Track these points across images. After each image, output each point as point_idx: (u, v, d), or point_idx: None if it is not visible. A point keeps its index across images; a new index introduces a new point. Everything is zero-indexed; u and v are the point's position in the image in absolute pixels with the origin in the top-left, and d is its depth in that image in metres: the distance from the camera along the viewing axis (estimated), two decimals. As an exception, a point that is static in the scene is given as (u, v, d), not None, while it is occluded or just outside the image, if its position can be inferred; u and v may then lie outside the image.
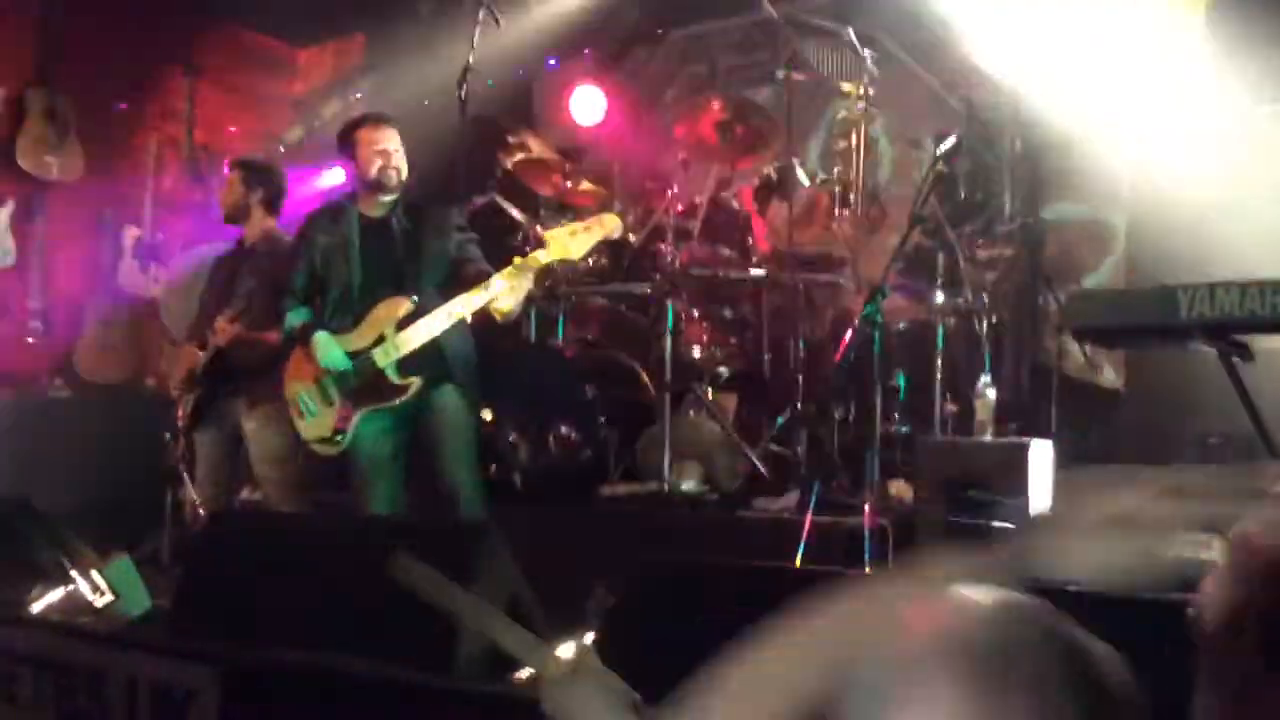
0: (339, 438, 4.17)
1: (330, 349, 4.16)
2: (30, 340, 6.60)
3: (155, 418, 5.45)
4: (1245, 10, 5.06)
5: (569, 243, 4.13)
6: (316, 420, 4.22)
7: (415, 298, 4.10)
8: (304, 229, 4.45)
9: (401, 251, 4.21)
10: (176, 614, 3.37)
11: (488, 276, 4.08)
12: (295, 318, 4.32)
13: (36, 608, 3.70)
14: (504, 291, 4.01)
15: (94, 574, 3.80)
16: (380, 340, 4.10)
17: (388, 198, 4.28)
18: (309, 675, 2.82)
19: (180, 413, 4.82)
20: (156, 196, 7.03)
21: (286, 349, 4.36)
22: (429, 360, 4.12)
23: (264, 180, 4.91)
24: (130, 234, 6.94)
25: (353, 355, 4.14)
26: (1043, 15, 5.58)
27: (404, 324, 4.09)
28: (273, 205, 4.92)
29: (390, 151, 4.25)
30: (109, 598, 3.82)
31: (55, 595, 3.75)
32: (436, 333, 4.06)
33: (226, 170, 5.01)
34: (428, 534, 3.56)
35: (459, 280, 4.16)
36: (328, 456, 4.29)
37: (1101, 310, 2.76)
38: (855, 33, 5.70)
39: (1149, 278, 3.94)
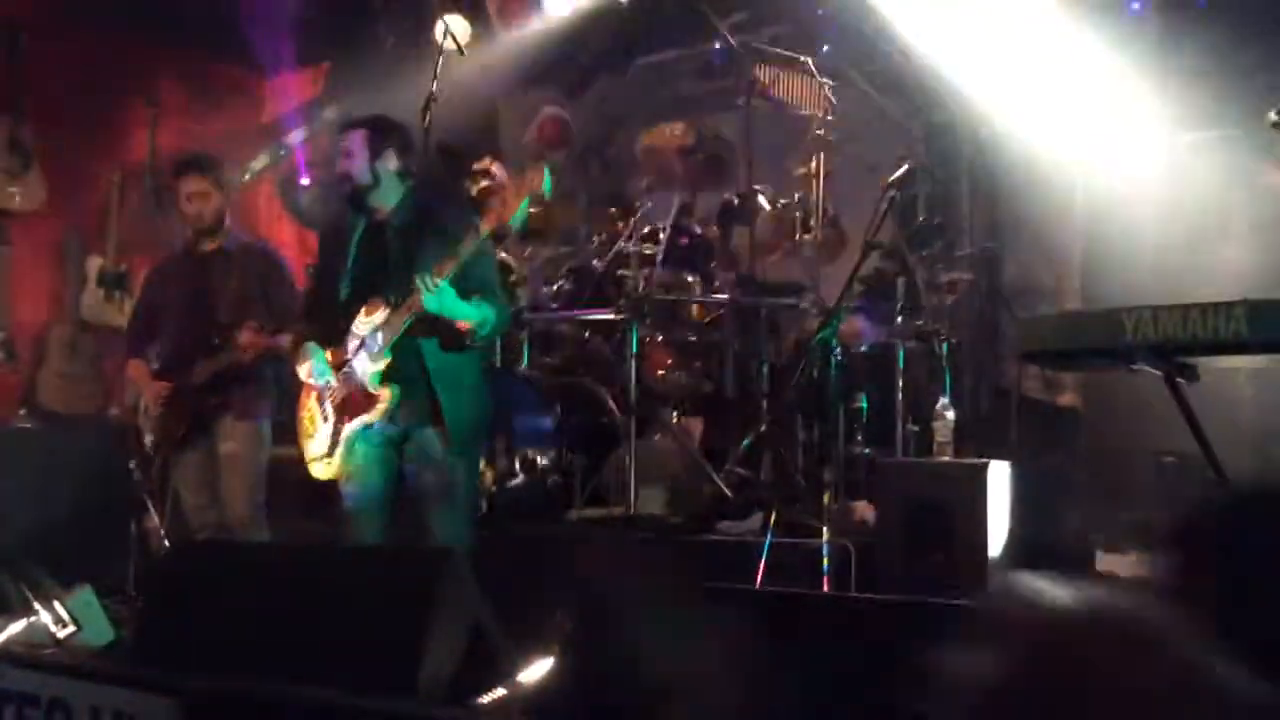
0: (329, 459, 4.05)
1: (315, 361, 4.06)
2: (-7, 370, 6.56)
3: (120, 447, 5.42)
4: (1189, 39, 5.20)
5: (503, 212, 3.97)
6: (316, 439, 4.09)
7: (392, 298, 3.95)
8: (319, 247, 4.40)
9: (396, 255, 4.04)
10: (139, 644, 3.37)
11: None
12: (303, 328, 4.24)
13: (-2, 640, 3.69)
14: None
15: (56, 605, 3.79)
16: (360, 348, 4.00)
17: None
18: (272, 704, 2.83)
19: (154, 436, 4.75)
20: (120, 226, 7.02)
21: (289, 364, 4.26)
22: (417, 400, 3.97)
23: (225, 179, 4.88)
24: (94, 263, 6.92)
25: (337, 366, 4.04)
26: (999, 43, 5.71)
27: (378, 328, 3.96)
28: (228, 203, 4.90)
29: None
30: (71, 629, 3.80)
31: (17, 627, 3.73)
32: (393, 336, 3.92)
33: (190, 181, 4.80)
34: (392, 558, 3.57)
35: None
36: (322, 480, 4.11)
37: (1050, 334, 2.82)
38: (815, 61, 5.80)
39: (1104, 302, 4.01)
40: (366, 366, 3.97)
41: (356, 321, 4.02)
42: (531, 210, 4.15)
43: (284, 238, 7.56)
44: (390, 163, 4.09)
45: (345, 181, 4.10)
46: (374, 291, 4.02)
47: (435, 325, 3.95)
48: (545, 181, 3.88)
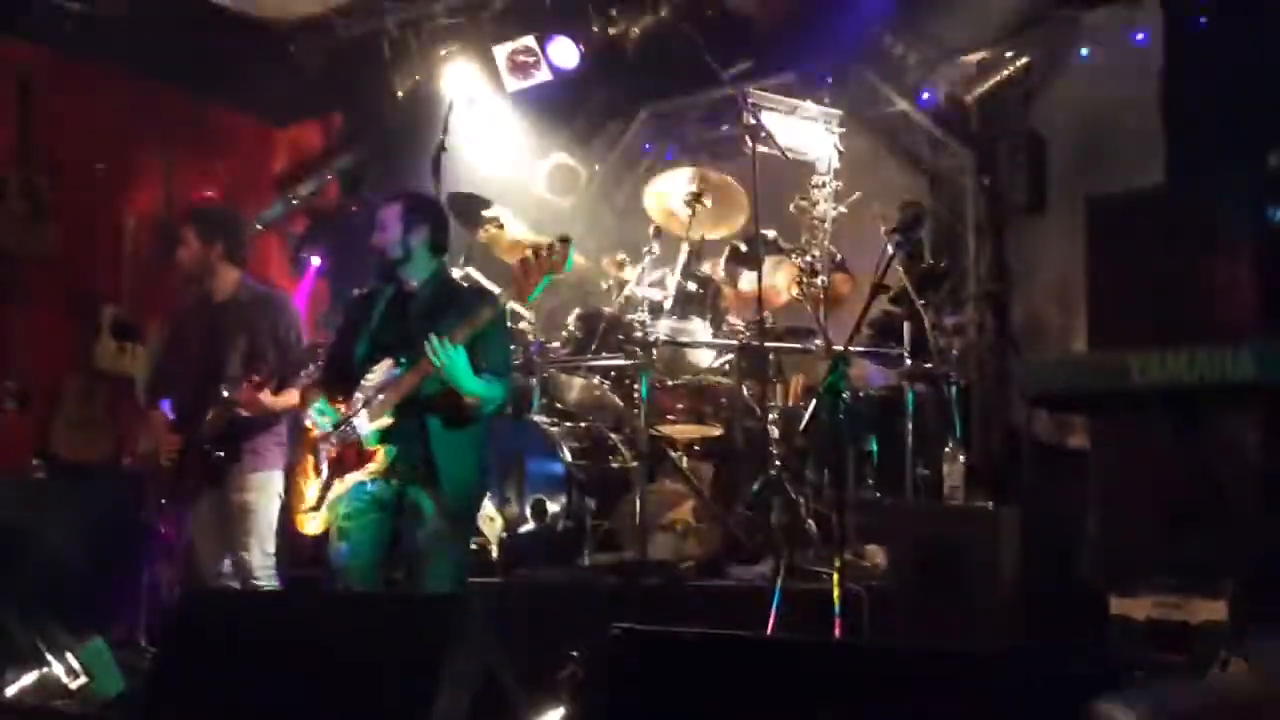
0: (315, 512, 4.05)
1: (320, 414, 4.09)
2: (5, 419, 6.59)
3: (133, 497, 5.45)
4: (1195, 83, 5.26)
5: (524, 285, 3.90)
6: (307, 492, 4.10)
7: (403, 359, 3.96)
8: (343, 304, 4.41)
9: (416, 322, 4.07)
10: (151, 694, 3.37)
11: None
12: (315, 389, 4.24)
13: (10, 691, 3.70)
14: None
15: (68, 656, 3.80)
16: (364, 405, 4.01)
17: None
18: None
19: (168, 486, 4.76)
20: (133, 275, 7.08)
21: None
22: (414, 460, 3.97)
23: (222, 230, 4.84)
24: (107, 312, 6.97)
25: (340, 421, 4.04)
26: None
27: (386, 387, 3.95)
28: (235, 256, 4.85)
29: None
30: (83, 680, 3.81)
31: (30, 678, 3.74)
32: (392, 401, 3.94)
33: (182, 229, 4.86)
34: (404, 604, 3.58)
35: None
36: (311, 534, 4.12)
37: (1056, 376, 2.84)
38: (820, 108, 5.86)
39: (1110, 344, 4.01)
40: (366, 423, 3.98)
41: (365, 378, 4.03)
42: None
43: (296, 287, 7.61)
44: (422, 237, 4.17)
45: (378, 254, 4.19)
46: (388, 353, 4.05)
47: (441, 402, 3.96)
48: (569, 261, 3.86)
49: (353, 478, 4.00)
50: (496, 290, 4.37)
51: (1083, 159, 5.94)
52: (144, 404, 5.10)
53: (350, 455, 4.02)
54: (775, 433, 5.27)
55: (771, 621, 3.83)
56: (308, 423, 4.13)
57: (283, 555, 4.81)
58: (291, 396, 4.53)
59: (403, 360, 3.96)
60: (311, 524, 4.09)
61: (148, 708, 3.31)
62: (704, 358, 5.59)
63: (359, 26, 7.22)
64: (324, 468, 4.07)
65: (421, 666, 2.90)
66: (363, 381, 4.03)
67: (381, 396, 3.97)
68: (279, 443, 4.75)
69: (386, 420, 3.97)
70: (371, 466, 3.96)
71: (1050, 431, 5.29)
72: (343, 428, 4.02)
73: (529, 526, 5.24)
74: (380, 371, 4.01)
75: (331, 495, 4.03)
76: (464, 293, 4.32)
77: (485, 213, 6.02)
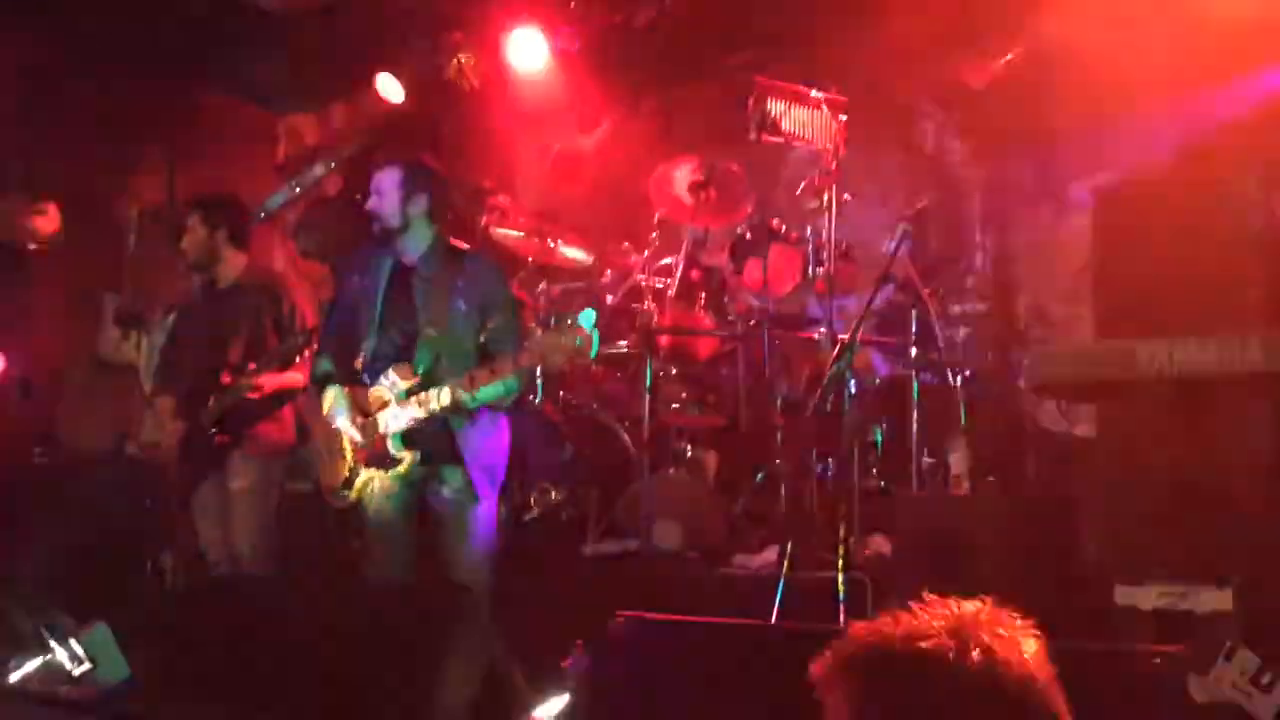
0: (345, 491, 4.08)
1: (339, 410, 4.07)
2: (10, 407, 6.60)
3: (136, 484, 5.45)
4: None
5: (546, 360, 3.76)
6: (335, 471, 4.11)
7: (419, 369, 3.94)
8: (338, 273, 4.37)
9: (423, 305, 4.03)
10: (155, 681, 3.37)
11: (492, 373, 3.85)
12: (321, 365, 4.24)
13: (14, 677, 3.69)
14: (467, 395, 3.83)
15: (72, 642, 3.79)
16: (385, 407, 3.99)
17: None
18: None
19: (171, 472, 4.76)
20: (137, 264, 7.07)
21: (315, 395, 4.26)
22: (438, 441, 3.97)
23: (227, 217, 4.84)
24: (110, 301, 6.97)
25: (361, 415, 4.04)
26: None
27: (409, 395, 3.94)
28: (240, 242, 4.85)
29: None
30: (87, 666, 3.81)
31: (33, 664, 3.74)
32: (414, 419, 3.92)
33: (188, 216, 4.89)
34: (407, 595, 3.58)
35: (481, 361, 3.93)
36: (339, 509, 4.17)
37: (1064, 366, 2.83)
38: (826, 97, 5.83)
39: (1118, 332, 3.99)
40: (390, 426, 3.96)
41: (386, 381, 3.99)
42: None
43: (299, 272, 7.60)
44: (421, 207, 4.08)
45: (374, 220, 4.11)
46: (402, 346, 4.01)
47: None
48: (593, 347, 3.71)
49: (379, 469, 4.01)
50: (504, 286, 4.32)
51: (1089, 150, 5.90)
52: (148, 391, 5.11)
53: (378, 448, 4.02)
54: (780, 421, 5.26)
55: (775, 610, 3.83)
56: (325, 406, 4.11)
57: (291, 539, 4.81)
58: (294, 377, 4.52)
59: (419, 370, 3.93)
60: (340, 501, 4.11)
61: (151, 694, 3.31)
62: (708, 346, 5.57)
63: (363, 13, 7.19)
64: (349, 453, 4.07)
65: (425, 657, 2.90)
66: (381, 383, 4.00)
67: (405, 412, 3.93)
68: (280, 429, 4.75)
69: (410, 424, 3.95)
70: (399, 469, 3.98)
71: (1056, 420, 5.27)
72: (366, 421, 4.00)
73: (533, 514, 5.24)
74: (403, 380, 3.95)
75: (361, 477, 4.05)
76: (467, 262, 4.17)
77: (489, 199, 6.01)
